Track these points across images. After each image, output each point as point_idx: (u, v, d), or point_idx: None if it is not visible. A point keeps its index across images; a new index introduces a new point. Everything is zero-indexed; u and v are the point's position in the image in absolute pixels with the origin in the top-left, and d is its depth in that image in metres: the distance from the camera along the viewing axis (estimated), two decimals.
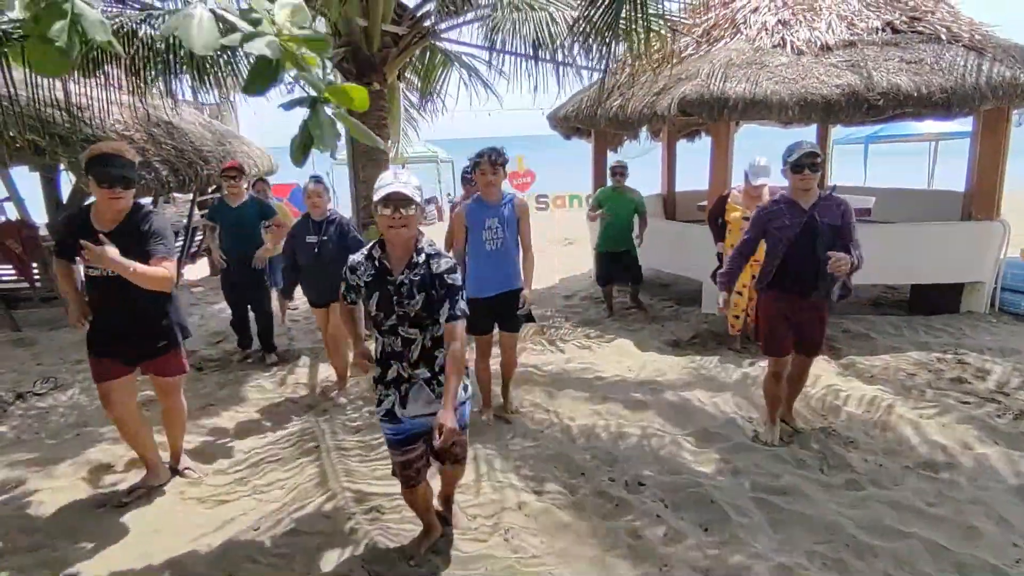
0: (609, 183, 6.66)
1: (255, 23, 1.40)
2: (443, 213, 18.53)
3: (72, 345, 6.06)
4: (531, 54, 6.16)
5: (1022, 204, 9.37)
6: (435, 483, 2.96)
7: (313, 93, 1.58)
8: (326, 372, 5.17)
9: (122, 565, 2.80)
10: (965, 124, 8.24)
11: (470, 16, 6.37)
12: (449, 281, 2.42)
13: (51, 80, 4.83)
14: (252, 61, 1.45)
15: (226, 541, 2.97)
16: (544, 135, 9.93)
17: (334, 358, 4.83)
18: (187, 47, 1.33)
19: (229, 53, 4.86)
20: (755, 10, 6.85)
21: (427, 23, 6.25)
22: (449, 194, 19.92)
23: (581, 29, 5.40)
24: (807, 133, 8.74)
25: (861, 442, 3.76)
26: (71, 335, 6.25)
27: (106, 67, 4.91)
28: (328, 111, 1.60)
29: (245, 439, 4.09)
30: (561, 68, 6.30)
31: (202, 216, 9.29)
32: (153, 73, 4.96)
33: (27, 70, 4.55)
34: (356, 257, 2.53)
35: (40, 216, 7.85)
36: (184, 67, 4.96)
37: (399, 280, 2.43)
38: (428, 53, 7.91)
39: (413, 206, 2.35)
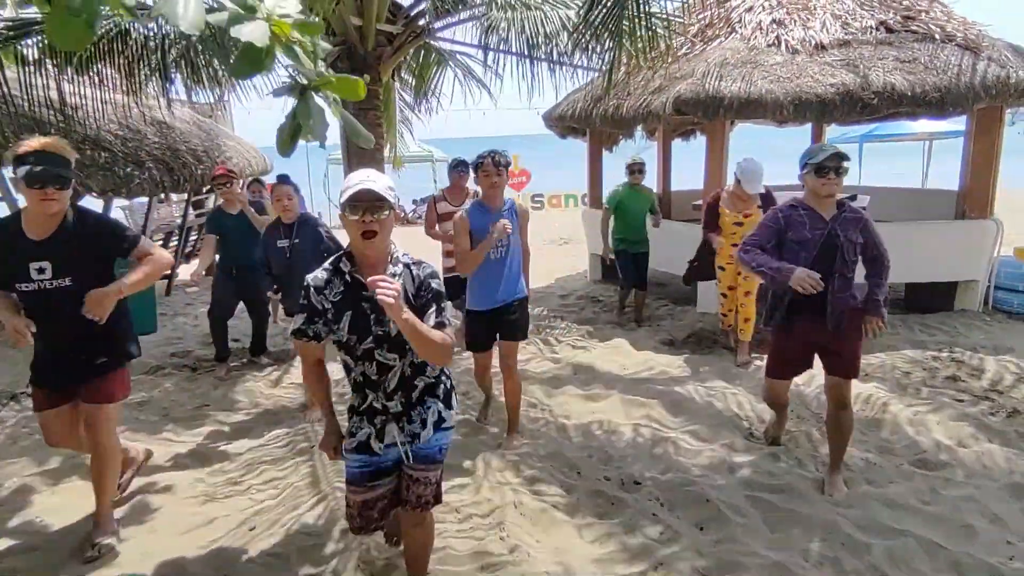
0: (624, 180, 6.39)
1: (245, 5, 1.37)
2: None
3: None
4: (526, 53, 6.15)
5: (1015, 203, 9.42)
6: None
7: (303, 80, 1.52)
8: None
9: (118, 564, 2.79)
10: (959, 123, 8.27)
11: (465, 15, 6.36)
12: (434, 286, 2.14)
13: (45, 80, 4.81)
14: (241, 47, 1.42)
15: (221, 540, 2.96)
16: (539, 134, 9.93)
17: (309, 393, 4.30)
18: (172, 25, 1.31)
19: (221, 46, 4.78)
20: (750, 9, 6.87)
21: (422, 22, 6.24)
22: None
23: (580, 31, 5.39)
24: (802, 132, 8.77)
25: (855, 440, 3.76)
26: None
27: (99, 66, 4.89)
28: (318, 99, 1.54)
29: (239, 439, 4.08)
30: (556, 67, 6.29)
31: (197, 216, 9.27)
32: (147, 71, 4.94)
33: (21, 70, 4.53)
34: (319, 274, 2.14)
35: None
36: (178, 66, 4.94)
37: (375, 296, 2.05)
38: (422, 52, 7.90)
39: (386, 209, 2.04)
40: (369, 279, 1.88)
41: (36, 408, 2.88)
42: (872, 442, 3.75)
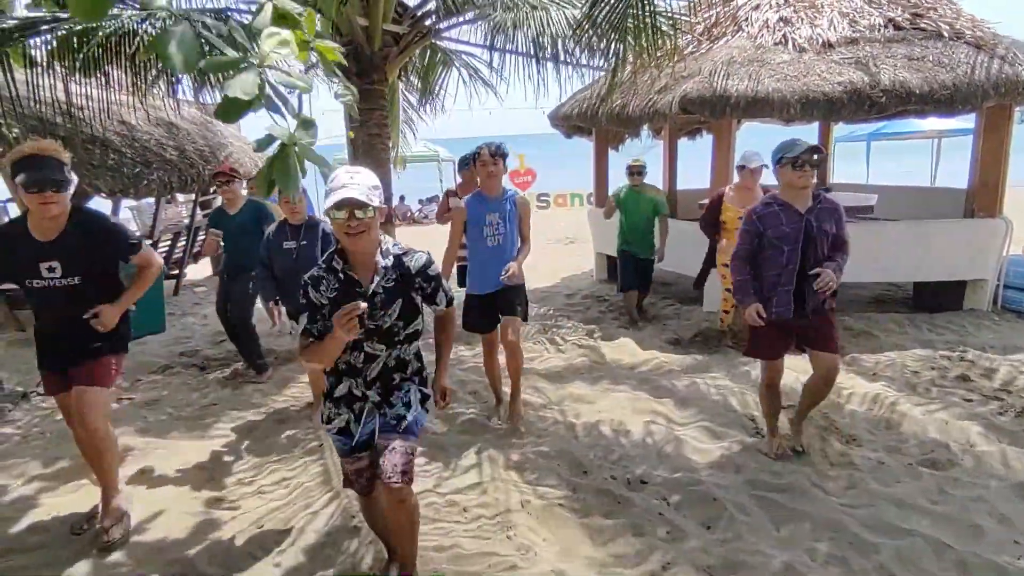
0: (625, 182, 6.41)
1: (241, 49, 1.41)
2: None
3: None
4: (532, 53, 6.15)
5: None
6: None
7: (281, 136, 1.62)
8: None
9: (126, 563, 2.81)
10: (968, 121, 8.22)
11: (471, 15, 6.36)
12: (432, 273, 2.30)
13: (52, 80, 4.83)
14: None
15: (231, 539, 2.97)
16: (545, 134, 9.92)
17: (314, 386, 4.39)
18: (166, 67, 1.37)
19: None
20: (757, 7, 6.84)
21: (428, 22, 6.25)
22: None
23: (585, 29, 5.39)
24: (809, 131, 8.73)
25: (864, 439, 3.76)
26: None
27: (106, 67, 4.91)
28: (296, 148, 1.63)
29: (248, 438, 4.10)
30: (562, 67, 6.29)
31: (205, 216, 9.31)
32: (154, 72, 4.96)
33: (29, 71, 4.56)
34: (315, 272, 2.25)
35: None
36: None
37: (371, 290, 2.21)
38: (428, 52, 7.91)
39: (371, 208, 2.11)
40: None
41: (47, 392, 3.10)
42: (880, 441, 3.74)
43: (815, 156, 3.20)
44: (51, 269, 2.80)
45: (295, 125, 1.71)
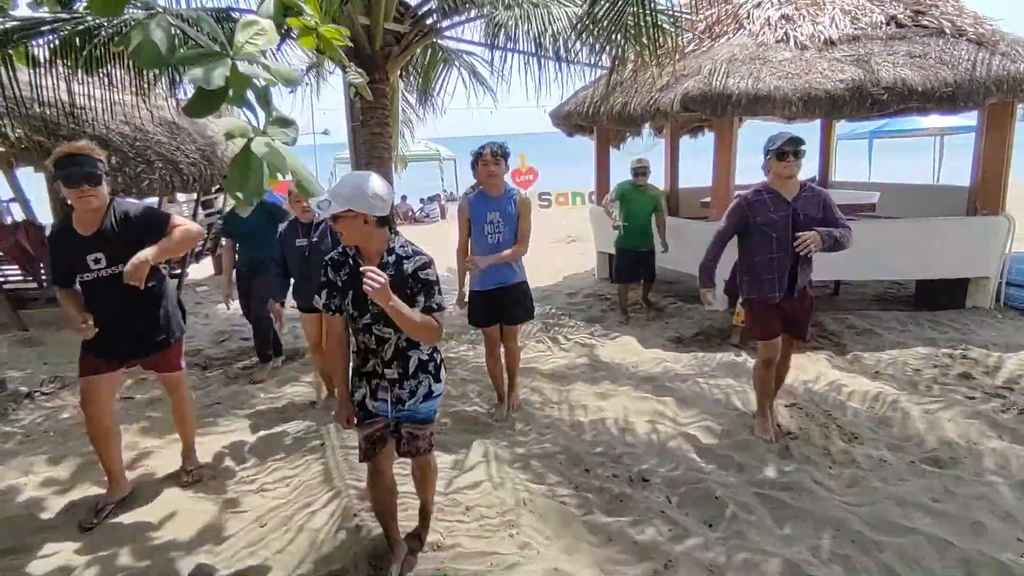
0: (628, 178, 6.58)
1: (216, 41, 1.35)
2: (446, 211, 18.53)
3: (79, 344, 6.08)
4: (533, 51, 6.15)
5: None
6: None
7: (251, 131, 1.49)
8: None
9: (128, 561, 2.83)
10: (970, 118, 8.19)
11: (472, 13, 6.36)
12: (423, 277, 2.42)
13: (55, 80, 4.84)
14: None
15: (232, 537, 2.99)
16: (546, 132, 9.92)
17: (323, 374, 4.61)
18: (136, 62, 1.31)
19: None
20: (758, 5, 6.83)
21: (429, 21, 6.24)
22: (451, 191, 19.90)
23: (585, 26, 5.38)
24: (811, 129, 8.72)
25: (866, 437, 3.76)
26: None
27: (108, 67, 4.92)
28: (262, 150, 1.47)
29: (250, 436, 4.11)
30: (563, 65, 6.28)
31: (207, 216, 9.32)
32: (156, 72, 4.96)
33: (32, 71, 4.57)
34: (335, 255, 2.52)
35: (46, 217, 7.88)
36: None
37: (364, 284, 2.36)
38: (428, 51, 7.91)
39: (355, 216, 2.31)
40: (361, 268, 2.21)
41: (82, 373, 3.19)
42: (883, 439, 3.73)
43: (797, 147, 3.47)
44: (97, 260, 3.01)
45: (267, 122, 1.60)
